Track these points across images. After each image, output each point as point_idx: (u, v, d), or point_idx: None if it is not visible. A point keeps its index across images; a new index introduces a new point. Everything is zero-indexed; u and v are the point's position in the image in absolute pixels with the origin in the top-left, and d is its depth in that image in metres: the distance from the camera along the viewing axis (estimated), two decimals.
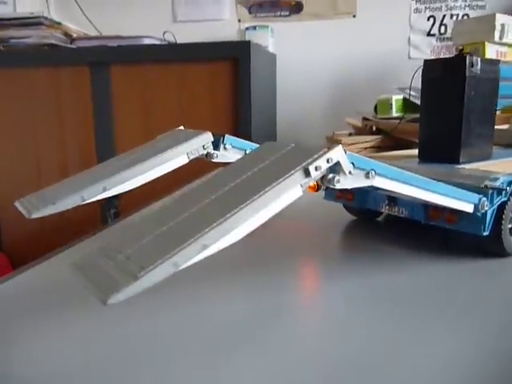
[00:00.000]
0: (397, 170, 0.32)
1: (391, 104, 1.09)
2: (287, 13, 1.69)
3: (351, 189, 0.30)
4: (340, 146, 0.28)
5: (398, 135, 1.00)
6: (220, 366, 0.26)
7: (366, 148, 1.02)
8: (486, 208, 0.37)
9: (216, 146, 0.41)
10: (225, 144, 0.41)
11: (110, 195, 0.35)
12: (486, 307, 0.33)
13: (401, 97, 1.10)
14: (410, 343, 0.28)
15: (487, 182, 0.38)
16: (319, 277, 0.41)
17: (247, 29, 1.60)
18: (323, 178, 0.28)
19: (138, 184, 0.37)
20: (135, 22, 1.75)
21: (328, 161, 0.27)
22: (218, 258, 0.24)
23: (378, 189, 0.32)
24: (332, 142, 1.06)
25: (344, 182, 0.29)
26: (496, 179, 0.38)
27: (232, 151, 0.42)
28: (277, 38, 1.66)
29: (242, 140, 0.43)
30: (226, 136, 0.41)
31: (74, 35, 1.48)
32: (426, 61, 0.48)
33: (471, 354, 0.27)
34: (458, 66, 0.45)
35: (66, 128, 1.41)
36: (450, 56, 0.46)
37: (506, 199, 0.39)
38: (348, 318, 0.32)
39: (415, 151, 0.57)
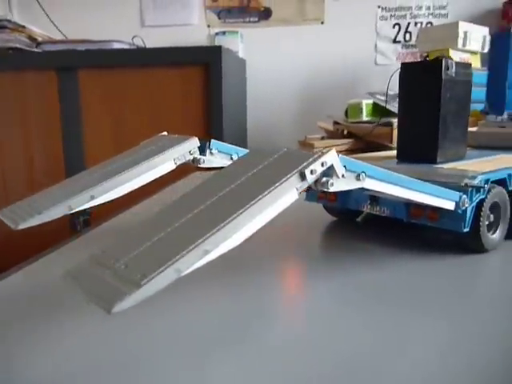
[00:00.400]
0: (385, 171, 0.33)
1: (361, 108, 1.11)
2: (256, 19, 1.70)
3: None
4: (334, 149, 0.28)
5: (369, 138, 1.02)
6: (210, 367, 0.26)
7: (338, 151, 1.03)
8: (466, 205, 0.38)
9: (202, 150, 0.41)
10: (211, 149, 0.41)
11: (98, 203, 0.34)
12: (471, 299, 0.34)
13: (371, 101, 1.12)
14: (401, 337, 0.29)
15: (467, 181, 0.39)
16: (304, 276, 0.41)
17: (217, 34, 1.60)
18: (317, 181, 0.28)
19: (126, 191, 0.36)
20: (102, 27, 1.73)
21: (322, 164, 0.28)
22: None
23: (366, 190, 0.33)
24: (304, 146, 1.07)
25: (337, 185, 0.29)
26: (474, 177, 0.39)
27: (218, 156, 0.42)
28: (246, 43, 1.67)
29: (227, 144, 0.43)
30: (213, 141, 0.41)
31: (39, 39, 1.44)
32: (403, 64, 0.49)
33: (464, 344, 0.28)
34: (434, 69, 0.46)
35: (31, 135, 1.38)
36: (427, 59, 0.48)
37: (483, 197, 0.40)
38: (336, 316, 0.32)
39: (392, 152, 0.59)
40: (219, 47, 1.27)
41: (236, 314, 0.32)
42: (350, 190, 0.43)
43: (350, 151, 1.04)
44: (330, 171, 0.28)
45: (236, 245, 0.24)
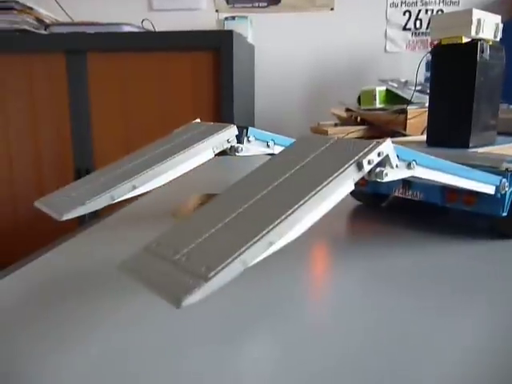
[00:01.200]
0: (434, 158, 0.33)
1: (375, 95, 1.10)
2: (265, 4, 1.68)
3: None
4: (389, 139, 0.28)
5: (383, 125, 1.02)
6: (235, 354, 0.25)
7: (352, 138, 1.03)
8: (506, 189, 0.38)
9: (238, 138, 0.40)
10: (248, 136, 0.40)
11: (139, 193, 0.34)
12: (508, 284, 0.34)
13: (384, 88, 1.11)
14: (431, 321, 0.29)
15: (506, 165, 0.39)
16: (331, 261, 0.41)
17: (226, 19, 1.58)
18: (370, 171, 0.28)
19: (167, 181, 0.35)
20: (108, 10, 1.71)
21: (379, 154, 0.27)
22: None
23: (416, 178, 0.32)
24: (317, 132, 1.06)
25: (391, 175, 0.29)
26: None
27: (255, 144, 0.41)
28: (255, 29, 1.65)
29: (264, 131, 0.42)
30: (250, 128, 0.40)
31: (47, 21, 1.43)
32: (435, 48, 0.49)
33: (498, 331, 0.28)
34: (469, 52, 0.45)
35: (39, 118, 1.36)
36: (460, 43, 0.47)
37: None
38: (364, 299, 0.32)
39: (418, 137, 0.58)
40: (230, 32, 1.25)
41: (262, 299, 0.32)
42: None
43: (363, 138, 1.03)
44: (383, 161, 0.28)
45: (297, 236, 0.24)
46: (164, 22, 1.60)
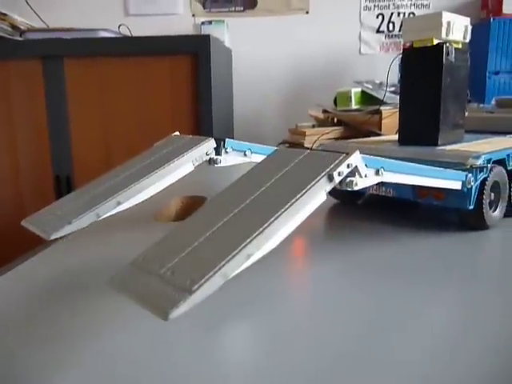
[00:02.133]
0: (400, 163, 0.35)
1: (350, 96, 1.13)
2: (241, 8, 1.70)
3: None
4: (357, 151, 0.30)
5: (358, 126, 1.04)
6: (224, 336, 0.27)
7: (328, 139, 1.05)
8: (472, 184, 0.40)
9: (216, 150, 0.42)
10: (226, 148, 0.42)
11: (123, 209, 0.35)
12: (476, 273, 0.36)
13: (359, 89, 1.14)
14: (405, 311, 0.30)
15: (471, 161, 0.41)
16: (309, 255, 0.42)
17: (203, 23, 1.60)
18: (341, 182, 0.30)
19: (150, 195, 0.36)
20: (84, 16, 1.71)
21: (348, 166, 0.29)
22: None
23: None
24: (295, 133, 1.08)
25: (360, 184, 0.30)
26: (478, 157, 0.41)
27: (233, 154, 0.42)
28: (232, 33, 1.67)
29: (240, 142, 0.44)
30: (227, 140, 0.42)
31: (22, 27, 1.42)
32: (404, 51, 0.51)
33: (472, 316, 0.30)
34: (435, 54, 0.48)
35: (16, 125, 1.35)
36: (427, 46, 0.49)
37: (486, 175, 0.42)
38: (344, 292, 0.33)
39: (391, 137, 0.61)
40: (208, 36, 1.27)
41: (241, 294, 0.33)
42: None
43: (339, 138, 1.06)
44: (353, 171, 0.30)
45: (273, 247, 0.25)
46: (141, 27, 1.61)
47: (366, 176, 0.31)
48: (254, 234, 0.24)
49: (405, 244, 0.42)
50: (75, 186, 1.36)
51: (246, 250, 0.23)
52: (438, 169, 0.39)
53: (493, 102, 0.78)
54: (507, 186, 0.46)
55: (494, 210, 0.45)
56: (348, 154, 0.29)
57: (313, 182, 0.27)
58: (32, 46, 1.30)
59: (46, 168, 1.36)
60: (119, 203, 0.34)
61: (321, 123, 1.13)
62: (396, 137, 0.54)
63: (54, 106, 1.33)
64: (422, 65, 0.49)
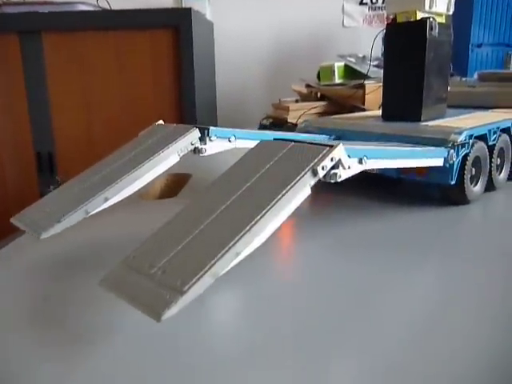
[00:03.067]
0: (383, 149, 0.35)
1: (333, 71, 1.12)
2: None
3: None
4: (341, 144, 0.30)
5: (341, 101, 1.04)
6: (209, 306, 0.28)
7: (312, 114, 1.05)
8: (453, 159, 0.41)
9: (201, 139, 0.41)
10: (210, 136, 0.42)
11: (111, 204, 0.34)
12: (458, 245, 0.37)
13: (342, 64, 1.13)
14: (389, 280, 0.32)
15: (453, 136, 0.42)
16: (295, 232, 0.43)
17: None
18: (325, 174, 0.30)
19: (136, 189, 0.36)
20: None
21: (332, 159, 0.29)
22: None
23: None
24: (279, 108, 1.08)
25: (344, 175, 0.31)
26: (460, 133, 0.42)
27: (217, 141, 0.42)
28: (213, 5, 1.64)
29: (224, 129, 0.43)
30: (211, 128, 0.42)
31: None
32: (388, 25, 0.51)
33: (451, 286, 0.31)
34: (419, 30, 0.48)
35: None
36: (411, 21, 0.49)
37: (467, 151, 0.43)
38: (329, 264, 0.34)
39: (375, 112, 0.61)
40: (189, 9, 1.24)
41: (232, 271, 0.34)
42: None
43: (323, 113, 1.06)
44: (336, 163, 0.30)
45: (260, 244, 0.26)
46: (120, 0, 1.56)
47: (349, 167, 0.31)
48: (242, 232, 0.24)
49: (387, 219, 0.43)
50: (57, 163, 1.35)
51: (234, 249, 0.24)
52: (420, 149, 0.39)
53: (475, 76, 0.78)
54: (488, 161, 0.47)
55: (475, 184, 0.46)
56: (332, 148, 0.30)
57: (297, 178, 0.28)
58: (8, 20, 1.26)
59: (27, 145, 1.34)
60: (107, 199, 0.34)
61: (304, 98, 1.13)
62: (379, 112, 0.54)
63: (32, 81, 1.30)
64: (405, 40, 0.49)
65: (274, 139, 0.34)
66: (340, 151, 0.30)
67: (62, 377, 0.22)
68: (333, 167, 0.30)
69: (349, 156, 0.31)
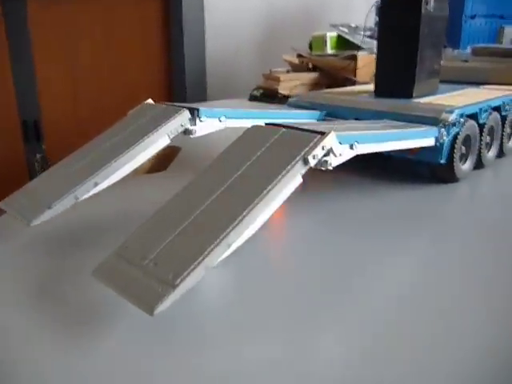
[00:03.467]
0: (374, 133, 0.35)
1: (325, 41, 1.11)
2: None
3: None
4: (332, 132, 0.29)
5: (333, 72, 1.03)
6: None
7: (303, 84, 1.04)
8: (444, 138, 0.41)
9: (191, 120, 0.40)
10: (200, 117, 0.41)
11: (101, 189, 0.34)
12: (446, 221, 0.38)
13: (335, 34, 1.12)
14: (383, 253, 0.33)
15: (444, 115, 0.41)
16: (288, 208, 0.43)
17: None
18: (316, 162, 0.29)
19: (126, 173, 0.35)
20: None
21: (323, 148, 0.29)
22: None
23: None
24: (270, 79, 1.06)
25: (335, 162, 0.30)
26: (451, 112, 0.42)
27: (207, 122, 0.41)
28: None
29: (214, 109, 0.42)
30: (200, 109, 0.40)
31: None
32: (381, 1, 0.50)
33: (441, 258, 0.31)
34: (413, 4, 0.47)
35: None
36: None
37: (458, 130, 0.43)
38: (322, 238, 0.35)
39: (366, 87, 0.60)
40: None
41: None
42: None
43: (315, 85, 1.05)
44: (327, 151, 0.30)
45: (251, 234, 0.26)
46: None
47: (340, 155, 0.31)
48: (234, 223, 0.24)
49: (378, 196, 0.43)
50: (43, 131, 1.32)
51: (226, 240, 0.24)
52: (411, 130, 0.39)
53: (468, 50, 0.78)
54: (478, 140, 0.47)
55: (464, 162, 0.46)
56: (323, 135, 0.29)
57: (288, 167, 0.27)
58: None
59: (12, 113, 1.31)
60: (96, 184, 0.33)
61: (295, 68, 1.11)
62: (371, 87, 0.54)
63: (16, 48, 1.25)
64: (399, 16, 0.48)
65: (266, 124, 0.33)
66: (331, 139, 0.29)
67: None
68: (324, 155, 0.30)
69: (340, 143, 0.30)
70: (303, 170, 0.28)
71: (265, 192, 0.26)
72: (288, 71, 1.10)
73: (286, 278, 0.30)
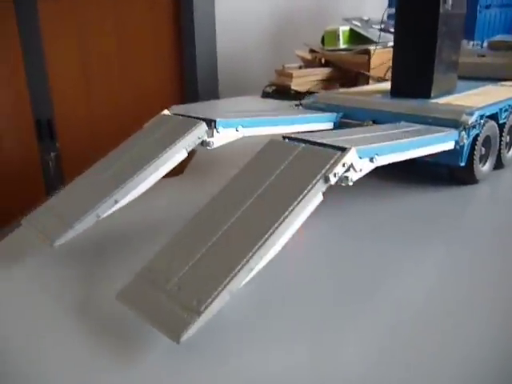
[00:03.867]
0: (392, 144, 0.34)
1: (338, 35, 1.10)
2: None
3: None
4: (353, 149, 0.29)
5: (346, 67, 1.02)
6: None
7: (316, 80, 1.03)
8: (464, 141, 0.40)
9: (208, 132, 0.40)
10: (217, 128, 0.40)
11: (120, 206, 0.34)
12: (466, 224, 0.38)
13: (347, 28, 1.10)
14: (400, 259, 0.32)
15: (465, 117, 0.41)
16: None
17: None
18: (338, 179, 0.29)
19: (145, 189, 0.35)
20: None
21: (344, 165, 0.29)
22: None
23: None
24: (282, 75, 1.06)
25: (355, 177, 0.30)
26: (472, 114, 0.41)
27: (224, 132, 0.41)
28: None
29: (230, 119, 0.41)
30: (217, 120, 0.40)
31: None
32: None
33: (460, 264, 0.31)
34: (431, 3, 0.46)
35: None
36: None
37: (478, 132, 0.42)
38: (341, 242, 0.35)
39: (382, 85, 0.59)
40: None
41: None
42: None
43: (327, 81, 1.04)
44: (348, 168, 0.29)
45: (273, 256, 0.25)
46: None
47: (360, 170, 0.30)
48: (256, 247, 0.24)
49: (398, 199, 0.43)
50: (57, 130, 1.33)
51: (249, 265, 0.23)
52: (431, 136, 0.38)
53: (485, 43, 0.76)
54: (498, 140, 0.46)
55: (484, 164, 0.45)
56: (343, 152, 0.29)
57: (309, 186, 0.27)
58: None
59: (26, 112, 1.32)
60: (116, 201, 0.33)
61: (308, 64, 1.10)
62: (387, 86, 0.53)
63: (29, 47, 1.26)
64: (416, 15, 0.47)
65: (283, 137, 0.33)
66: (352, 156, 0.29)
67: None
68: (345, 171, 0.29)
69: (360, 157, 0.30)
70: (324, 188, 0.28)
71: (286, 213, 0.26)
72: (300, 67, 1.09)
73: (303, 284, 0.30)
